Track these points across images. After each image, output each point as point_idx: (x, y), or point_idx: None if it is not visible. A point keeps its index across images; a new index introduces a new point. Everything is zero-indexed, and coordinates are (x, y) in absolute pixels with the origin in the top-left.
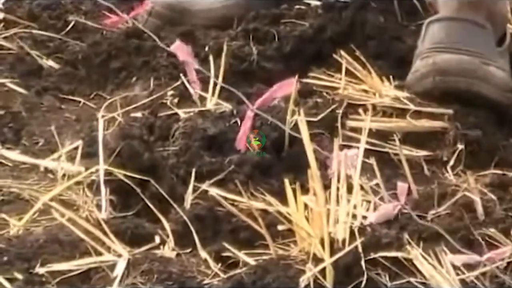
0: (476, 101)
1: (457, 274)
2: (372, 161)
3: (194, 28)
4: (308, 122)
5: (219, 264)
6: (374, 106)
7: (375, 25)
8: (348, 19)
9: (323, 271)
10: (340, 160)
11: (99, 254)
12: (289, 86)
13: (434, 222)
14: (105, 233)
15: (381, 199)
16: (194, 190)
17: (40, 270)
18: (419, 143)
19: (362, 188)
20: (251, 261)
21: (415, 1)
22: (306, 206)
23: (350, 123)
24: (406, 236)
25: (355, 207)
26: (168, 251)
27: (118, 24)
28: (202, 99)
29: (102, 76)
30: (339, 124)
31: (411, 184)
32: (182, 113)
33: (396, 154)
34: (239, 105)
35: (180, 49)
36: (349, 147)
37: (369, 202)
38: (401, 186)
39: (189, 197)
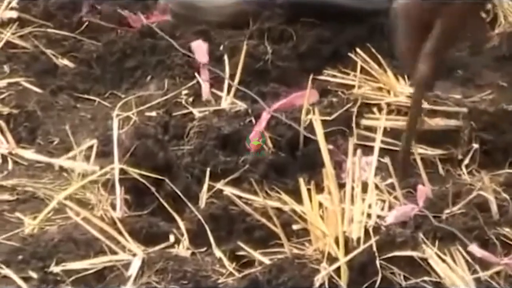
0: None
1: (472, 273)
2: (386, 160)
3: (209, 27)
4: (323, 121)
5: (234, 263)
6: (389, 105)
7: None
8: (367, 22)
9: (337, 270)
10: (355, 161)
11: (113, 253)
12: (310, 96)
13: (449, 222)
14: (119, 232)
15: (396, 198)
16: (209, 189)
17: (55, 269)
18: (433, 142)
19: (377, 187)
20: (266, 260)
21: None
22: (321, 205)
23: (365, 122)
24: (421, 235)
25: (370, 206)
26: (183, 250)
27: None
28: (217, 98)
29: (117, 75)
30: (353, 123)
31: (425, 183)
32: (197, 112)
33: None
34: (254, 104)
35: (199, 48)
36: (364, 146)
37: (384, 201)
38: (421, 189)
39: (203, 196)
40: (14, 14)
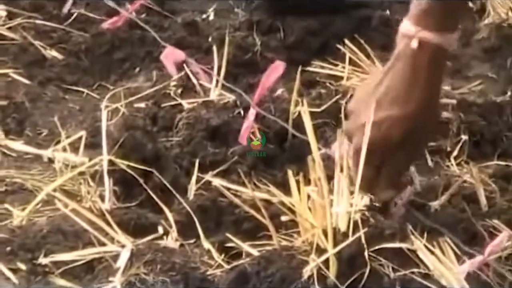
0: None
1: (460, 265)
2: None
3: (198, 19)
4: (312, 113)
5: (223, 255)
6: None
7: (382, 19)
8: (355, 15)
9: (326, 262)
10: (342, 150)
11: (102, 244)
12: (277, 69)
13: (438, 213)
14: (108, 224)
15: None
16: (198, 181)
17: (43, 260)
18: None
19: None
20: (255, 251)
21: None
22: (309, 197)
23: None
24: (409, 227)
25: (358, 197)
26: (172, 241)
27: (119, 22)
28: (206, 90)
29: (106, 67)
30: (342, 115)
31: (414, 174)
32: (185, 103)
33: None
34: (242, 95)
35: (169, 57)
36: None
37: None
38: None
39: (192, 188)
40: (2, 11)
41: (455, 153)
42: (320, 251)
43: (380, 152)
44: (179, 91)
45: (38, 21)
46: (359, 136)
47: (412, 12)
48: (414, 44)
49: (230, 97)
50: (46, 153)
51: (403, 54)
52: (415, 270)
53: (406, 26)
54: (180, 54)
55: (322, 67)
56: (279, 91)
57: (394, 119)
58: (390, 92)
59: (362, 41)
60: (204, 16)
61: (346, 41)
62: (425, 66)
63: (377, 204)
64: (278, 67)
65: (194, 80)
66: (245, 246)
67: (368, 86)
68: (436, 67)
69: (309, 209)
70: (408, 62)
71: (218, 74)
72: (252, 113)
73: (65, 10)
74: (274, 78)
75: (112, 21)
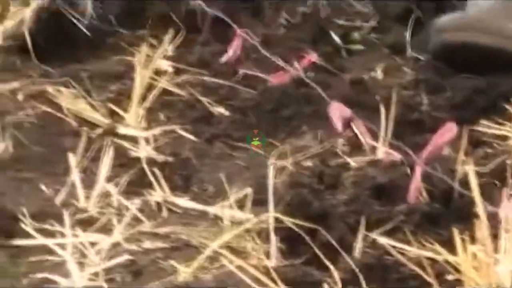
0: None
1: None
2: None
3: (366, 77)
4: (478, 172)
5: None
6: None
7: None
8: None
9: None
10: (509, 210)
11: None
12: (450, 132)
13: None
14: (274, 281)
15: None
16: (364, 239)
17: None
18: None
19: None
20: None
21: None
22: (474, 255)
23: None
24: None
25: None
26: None
27: (285, 79)
28: (372, 148)
29: (272, 124)
30: (509, 175)
31: None
32: (352, 162)
33: None
34: (409, 154)
35: (336, 111)
36: None
37: None
38: None
39: (358, 246)
40: (169, 67)
41: None
42: None
43: None
44: (346, 149)
45: (205, 77)
46: None
47: None
48: None
49: (397, 156)
50: (212, 209)
51: None
52: None
53: None
54: (346, 111)
55: (489, 127)
56: (445, 150)
57: None
58: None
59: None
60: (372, 74)
61: None
62: None
63: None
64: (450, 129)
65: (361, 138)
66: None
67: None
68: None
69: (474, 268)
70: None
71: (385, 132)
72: (419, 171)
73: (223, 60)
74: (446, 139)
75: (279, 77)
